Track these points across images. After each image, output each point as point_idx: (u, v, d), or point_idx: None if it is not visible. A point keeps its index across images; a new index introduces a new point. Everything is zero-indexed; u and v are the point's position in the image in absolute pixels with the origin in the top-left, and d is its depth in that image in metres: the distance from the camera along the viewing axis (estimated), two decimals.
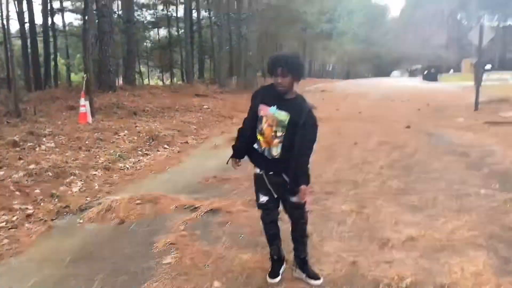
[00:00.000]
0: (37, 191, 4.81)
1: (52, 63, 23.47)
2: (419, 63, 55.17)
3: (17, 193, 4.66)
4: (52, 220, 4.12)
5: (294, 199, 2.67)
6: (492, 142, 7.54)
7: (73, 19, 38.54)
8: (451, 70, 41.82)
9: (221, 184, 5.29)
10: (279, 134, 2.59)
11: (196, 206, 4.31)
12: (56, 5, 25.75)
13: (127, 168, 6.28)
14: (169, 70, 32.14)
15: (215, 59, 26.81)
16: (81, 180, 5.37)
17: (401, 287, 2.75)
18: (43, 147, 6.54)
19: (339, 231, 3.69)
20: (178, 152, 7.65)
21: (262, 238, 3.06)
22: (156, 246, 3.43)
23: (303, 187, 2.58)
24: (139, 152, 7.23)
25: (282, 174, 2.67)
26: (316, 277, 2.85)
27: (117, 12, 22.92)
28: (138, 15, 28.19)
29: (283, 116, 2.57)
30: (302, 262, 2.91)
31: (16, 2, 20.76)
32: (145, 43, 32.95)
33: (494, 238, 3.46)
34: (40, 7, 21.91)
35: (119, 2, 23.36)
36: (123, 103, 11.64)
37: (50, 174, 5.30)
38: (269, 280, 2.86)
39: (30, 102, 11.09)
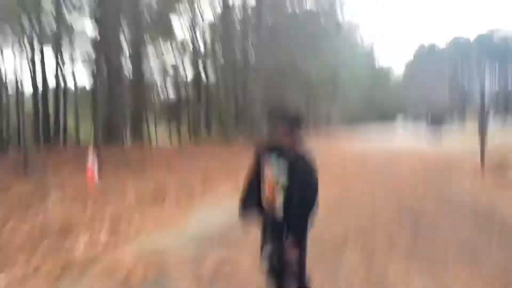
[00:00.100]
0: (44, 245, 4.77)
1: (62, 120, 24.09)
2: (423, 108, 55.76)
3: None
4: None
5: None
6: None
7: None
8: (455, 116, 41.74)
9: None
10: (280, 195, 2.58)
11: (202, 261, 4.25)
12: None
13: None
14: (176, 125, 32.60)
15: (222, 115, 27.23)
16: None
17: None
18: (49, 203, 6.58)
19: None
20: None
21: None
22: None
23: (290, 240, 2.52)
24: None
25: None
26: None
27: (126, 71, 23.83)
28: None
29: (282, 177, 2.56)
30: None
31: (30, 63, 21.71)
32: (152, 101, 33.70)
33: None
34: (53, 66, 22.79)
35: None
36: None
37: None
38: None
39: (38, 159, 11.27)
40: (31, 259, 4.39)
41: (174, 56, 29.63)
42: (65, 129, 24.42)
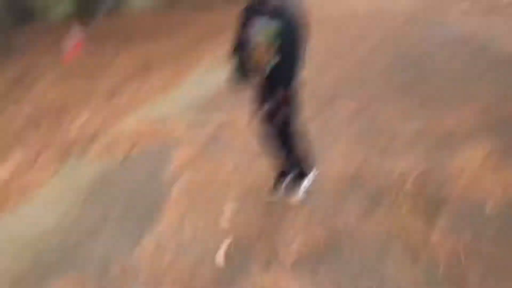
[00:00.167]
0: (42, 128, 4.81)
1: None
2: None
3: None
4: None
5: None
6: None
7: None
8: None
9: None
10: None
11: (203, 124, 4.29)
12: None
13: None
14: None
15: None
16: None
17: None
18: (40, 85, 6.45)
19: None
20: None
21: None
22: (168, 171, 3.46)
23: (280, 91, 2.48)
24: None
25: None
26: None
27: None
28: None
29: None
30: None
31: None
32: None
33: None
34: None
35: None
36: None
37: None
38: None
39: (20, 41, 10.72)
40: (30, 144, 4.43)
41: None
42: (42, 5, 22.76)
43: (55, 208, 3.18)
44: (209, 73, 7.31)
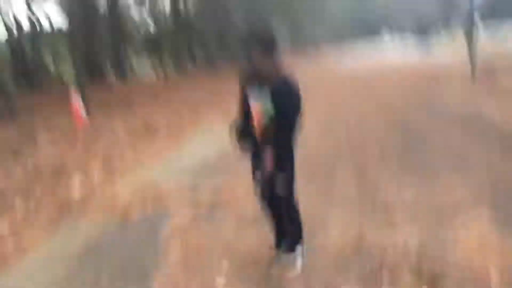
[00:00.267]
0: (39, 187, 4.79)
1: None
2: (407, 21, 53.62)
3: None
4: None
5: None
6: None
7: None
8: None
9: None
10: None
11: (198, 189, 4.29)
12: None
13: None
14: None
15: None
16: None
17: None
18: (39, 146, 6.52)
19: None
20: None
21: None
22: (162, 236, 3.41)
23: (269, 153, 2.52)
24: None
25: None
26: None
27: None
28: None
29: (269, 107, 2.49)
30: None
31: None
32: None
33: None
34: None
35: None
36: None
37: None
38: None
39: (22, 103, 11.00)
40: (28, 202, 4.40)
41: None
42: (45, 72, 23.57)
43: (44, 275, 3.11)
44: (206, 138, 7.45)
